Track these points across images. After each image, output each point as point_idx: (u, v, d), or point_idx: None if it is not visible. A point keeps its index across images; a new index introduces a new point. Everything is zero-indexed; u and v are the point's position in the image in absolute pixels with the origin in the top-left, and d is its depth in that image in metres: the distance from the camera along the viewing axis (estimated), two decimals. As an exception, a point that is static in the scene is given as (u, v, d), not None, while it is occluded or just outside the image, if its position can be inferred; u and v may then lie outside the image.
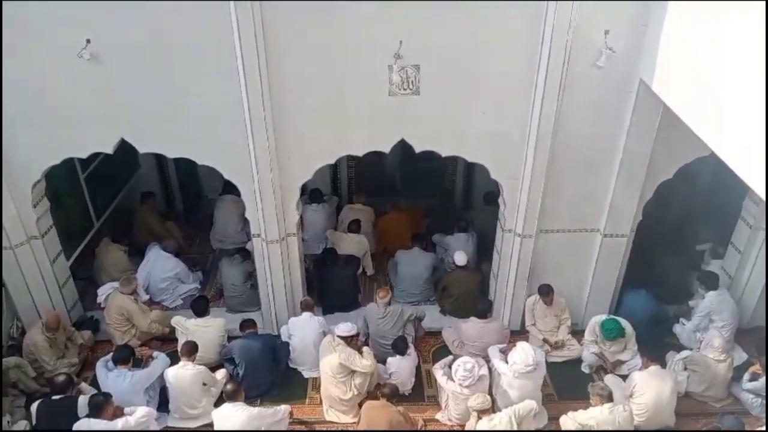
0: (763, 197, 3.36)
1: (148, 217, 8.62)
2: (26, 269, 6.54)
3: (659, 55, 4.99)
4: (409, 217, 8.87)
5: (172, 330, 6.92)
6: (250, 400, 5.94)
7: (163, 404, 6.09)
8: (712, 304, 6.80)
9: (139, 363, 6.25)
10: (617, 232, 6.51)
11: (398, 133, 5.89)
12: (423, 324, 7.10)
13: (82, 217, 7.88)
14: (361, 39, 5.36)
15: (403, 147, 6.05)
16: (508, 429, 5.41)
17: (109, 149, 5.99)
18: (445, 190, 9.78)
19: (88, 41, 5.22)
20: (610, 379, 6.34)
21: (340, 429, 6.16)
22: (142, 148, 6.08)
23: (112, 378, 5.87)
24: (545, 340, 6.87)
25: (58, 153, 6.04)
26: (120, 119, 5.76)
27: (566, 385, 6.56)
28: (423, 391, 6.56)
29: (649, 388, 5.81)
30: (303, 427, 6.18)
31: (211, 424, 5.76)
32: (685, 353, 6.55)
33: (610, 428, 5.41)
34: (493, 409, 5.75)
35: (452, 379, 5.93)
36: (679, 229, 8.30)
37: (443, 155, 6.13)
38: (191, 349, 6.02)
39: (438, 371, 6.15)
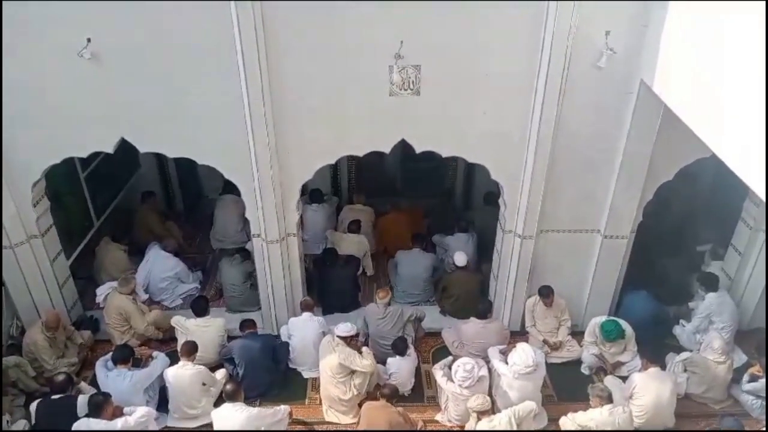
0: (764, 198, 3.36)
1: (149, 217, 8.62)
2: (26, 268, 6.55)
3: (660, 56, 4.98)
4: (409, 218, 8.86)
5: (166, 332, 6.93)
6: (249, 401, 5.95)
7: (162, 404, 6.09)
8: (712, 306, 6.79)
9: (139, 363, 6.23)
10: (617, 234, 6.51)
11: (399, 133, 5.89)
12: (423, 324, 7.09)
13: (82, 216, 7.89)
14: (362, 39, 5.36)
15: (403, 147, 6.05)
16: (508, 430, 5.41)
17: (110, 149, 5.99)
18: (445, 191, 9.77)
19: (89, 40, 5.22)
20: (609, 381, 6.33)
21: (339, 429, 6.15)
22: (143, 148, 6.07)
23: (112, 378, 5.87)
24: (545, 341, 6.86)
25: (58, 152, 6.04)
26: (120, 119, 5.76)
27: (566, 386, 6.55)
28: (423, 392, 6.56)
29: (648, 389, 5.80)
30: (302, 428, 6.17)
31: (210, 424, 5.75)
32: (684, 355, 6.55)
33: (610, 429, 5.41)
34: (493, 410, 5.74)
35: (452, 380, 5.93)
36: (679, 231, 8.30)
37: (443, 155, 6.13)
38: (191, 349, 6.02)
39: (438, 372, 6.15)
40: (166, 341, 6.98)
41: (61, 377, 5.76)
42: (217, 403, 5.95)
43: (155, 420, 5.80)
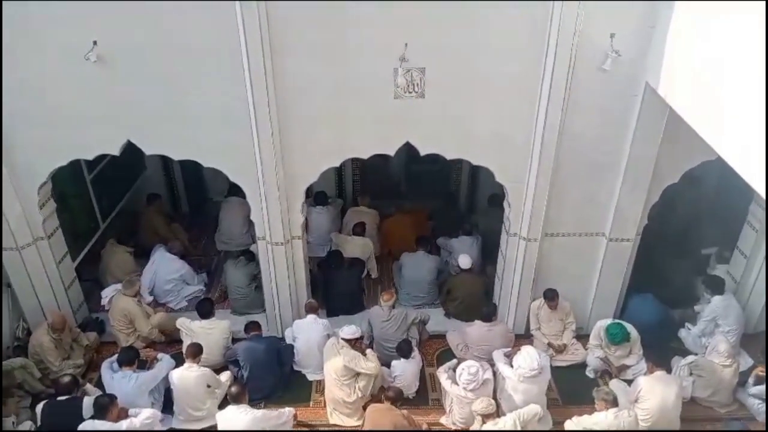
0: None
1: (154, 219, 8.64)
2: (32, 270, 6.58)
3: (665, 58, 4.97)
4: (414, 220, 8.87)
5: (171, 334, 6.95)
6: (254, 403, 5.95)
7: (167, 406, 6.10)
8: (718, 309, 6.76)
9: (144, 364, 6.25)
10: (622, 237, 6.49)
11: (403, 135, 5.89)
12: (427, 327, 7.10)
13: (88, 218, 7.92)
14: (367, 41, 5.37)
15: (407, 150, 6.06)
16: (513, 433, 5.40)
17: (116, 151, 6.02)
18: (449, 193, 9.77)
19: (95, 43, 5.24)
20: (614, 384, 6.32)
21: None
22: (148, 150, 6.09)
23: (117, 379, 5.89)
24: (550, 344, 6.85)
25: (64, 154, 6.06)
26: (126, 121, 5.79)
27: (571, 389, 6.54)
28: (427, 395, 6.55)
29: (654, 393, 5.78)
30: (307, 430, 6.17)
31: (215, 426, 5.77)
32: (690, 358, 6.52)
33: (615, 433, 5.40)
34: (498, 413, 5.73)
35: (456, 383, 5.92)
36: (684, 233, 8.28)
37: (448, 158, 6.13)
38: (196, 350, 6.04)
39: (442, 375, 6.14)
40: (171, 343, 7.00)
41: (66, 379, 5.78)
42: (222, 405, 5.96)
43: (160, 422, 5.82)
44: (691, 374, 6.39)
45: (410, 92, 5.61)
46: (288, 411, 5.93)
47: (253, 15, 5.10)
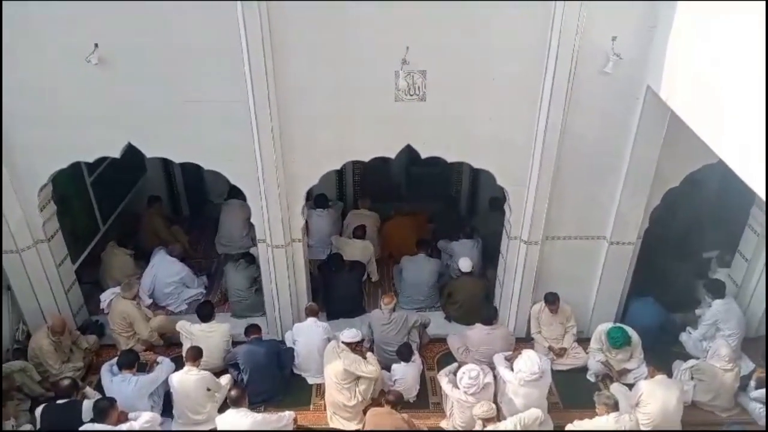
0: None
1: (155, 221, 8.63)
2: (32, 273, 6.56)
3: (666, 61, 4.97)
4: (414, 223, 8.85)
5: (168, 339, 6.93)
6: (254, 406, 5.94)
7: (167, 409, 6.09)
8: (719, 313, 6.75)
9: (144, 368, 6.24)
10: (624, 240, 6.48)
11: (404, 138, 5.89)
12: (428, 330, 7.08)
13: (89, 220, 7.90)
14: (368, 44, 5.37)
15: (408, 152, 6.05)
16: (513, 437, 5.39)
17: (116, 153, 6.01)
18: (450, 196, 9.76)
19: (96, 45, 5.24)
20: (615, 388, 6.31)
21: (344, 435, 6.15)
22: (149, 153, 6.08)
23: (117, 382, 5.87)
24: (550, 348, 6.83)
25: (65, 157, 6.06)
26: (127, 123, 5.79)
27: (572, 393, 6.53)
28: (428, 399, 6.54)
29: (655, 397, 5.77)
30: (307, 434, 6.17)
31: (215, 430, 5.75)
32: (691, 362, 6.50)
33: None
34: (498, 417, 5.72)
35: (457, 387, 5.91)
36: (686, 237, 8.26)
37: (449, 161, 6.13)
38: (196, 354, 6.02)
39: (443, 378, 6.13)
40: (171, 346, 6.98)
41: (66, 382, 5.75)
42: (222, 409, 5.95)
43: (160, 425, 5.80)
44: (692, 378, 6.37)
45: (411, 95, 5.61)
46: (288, 414, 5.92)
47: (255, 15, 5.09)
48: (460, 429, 6.04)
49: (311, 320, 6.69)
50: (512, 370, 5.95)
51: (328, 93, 5.64)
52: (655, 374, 5.93)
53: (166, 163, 9.26)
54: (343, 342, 6.16)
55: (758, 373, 6.30)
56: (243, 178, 6.14)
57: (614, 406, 5.50)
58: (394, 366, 6.40)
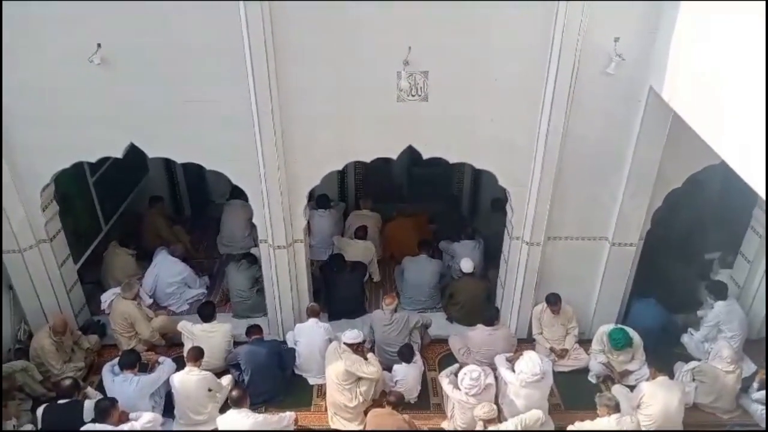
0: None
1: (157, 221, 8.64)
2: (34, 273, 6.57)
3: (669, 62, 4.96)
4: (416, 224, 8.85)
5: (169, 339, 6.93)
6: (255, 407, 5.95)
7: (168, 409, 6.09)
8: (721, 314, 6.74)
9: (146, 368, 6.24)
10: (626, 241, 6.47)
11: (406, 139, 5.89)
12: (429, 331, 7.08)
13: (91, 220, 7.91)
14: (370, 45, 5.38)
15: (410, 153, 6.05)
16: (515, 438, 5.38)
17: (119, 153, 6.02)
18: (452, 197, 9.76)
19: (99, 46, 5.25)
20: (617, 390, 6.29)
21: (345, 436, 6.14)
22: (151, 153, 6.09)
23: (118, 383, 5.88)
24: (552, 349, 6.82)
25: (67, 157, 6.07)
26: (129, 124, 5.80)
27: (573, 394, 6.52)
28: (429, 400, 6.53)
29: (656, 398, 5.76)
30: (308, 434, 6.17)
31: (216, 430, 5.75)
32: (693, 364, 6.49)
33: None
34: (500, 418, 5.72)
35: (458, 388, 5.90)
36: (688, 238, 8.25)
37: (451, 162, 6.13)
38: (197, 354, 6.03)
39: (444, 380, 6.12)
40: (172, 346, 6.98)
41: (67, 382, 5.76)
42: (223, 409, 5.96)
43: (161, 425, 5.81)
44: (693, 380, 6.36)
45: (413, 96, 5.61)
46: (289, 415, 5.93)
47: (257, 16, 5.10)
48: (461, 430, 6.03)
49: (313, 321, 6.68)
50: (513, 371, 5.94)
51: (329, 93, 5.64)
52: (657, 376, 5.91)
53: (168, 163, 9.27)
54: (344, 343, 6.16)
55: (761, 374, 6.28)
56: (245, 179, 6.14)
57: (615, 408, 5.49)
58: (396, 367, 6.40)
